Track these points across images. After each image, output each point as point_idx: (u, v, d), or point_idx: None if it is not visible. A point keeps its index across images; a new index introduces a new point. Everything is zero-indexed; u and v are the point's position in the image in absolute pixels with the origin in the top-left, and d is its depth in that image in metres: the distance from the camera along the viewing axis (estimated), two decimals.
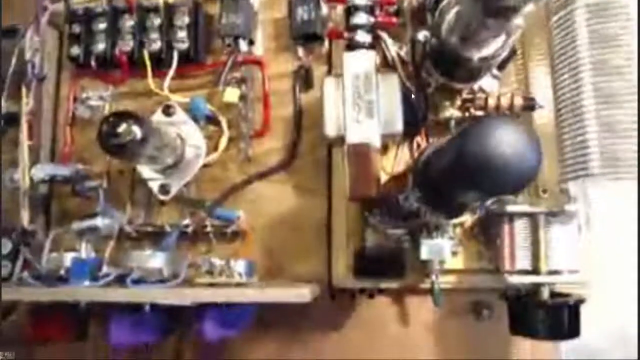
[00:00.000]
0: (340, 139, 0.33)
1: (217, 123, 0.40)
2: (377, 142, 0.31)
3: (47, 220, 0.42)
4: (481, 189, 0.23)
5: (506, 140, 0.22)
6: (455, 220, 0.36)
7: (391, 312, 0.40)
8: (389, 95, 0.34)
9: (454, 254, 0.36)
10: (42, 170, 0.34)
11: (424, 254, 0.35)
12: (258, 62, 0.41)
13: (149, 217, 0.40)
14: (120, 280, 0.31)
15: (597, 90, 0.29)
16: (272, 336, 0.40)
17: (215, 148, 0.40)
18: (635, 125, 0.28)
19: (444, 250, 0.35)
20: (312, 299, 0.29)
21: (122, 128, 0.30)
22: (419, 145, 0.37)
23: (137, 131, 0.31)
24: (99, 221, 0.34)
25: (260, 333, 0.40)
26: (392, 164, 0.38)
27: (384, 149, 0.38)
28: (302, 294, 0.28)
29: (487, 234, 0.36)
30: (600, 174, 0.28)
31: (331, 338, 0.40)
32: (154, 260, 0.32)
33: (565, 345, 0.40)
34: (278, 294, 0.29)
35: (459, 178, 0.24)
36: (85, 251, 0.34)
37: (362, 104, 0.33)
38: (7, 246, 0.39)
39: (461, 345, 0.39)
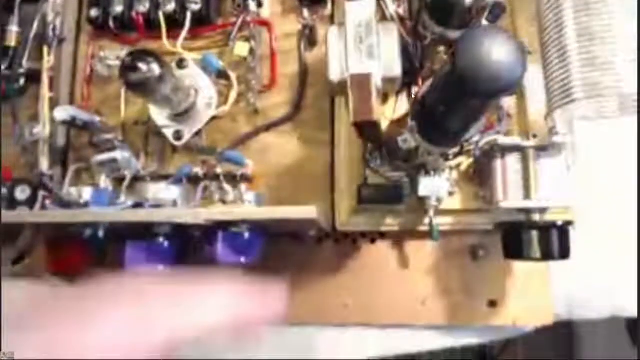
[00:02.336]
0: (344, 84, 0.36)
1: (227, 78, 0.43)
2: (377, 78, 0.34)
3: (64, 173, 0.44)
4: (476, 93, 0.25)
5: (495, 44, 0.24)
6: (452, 163, 0.39)
7: (392, 255, 0.42)
8: (388, 42, 0.36)
9: (451, 194, 0.39)
10: (64, 111, 0.36)
11: (422, 190, 0.37)
12: (265, 23, 0.44)
13: (162, 166, 0.42)
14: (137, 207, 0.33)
15: (579, 30, 0.32)
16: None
17: (225, 102, 0.43)
18: (613, 59, 0.31)
19: (441, 187, 0.37)
20: (319, 220, 0.31)
21: (142, 64, 0.33)
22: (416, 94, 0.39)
23: (155, 68, 0.33)
24: (117, 154, 0.37)
25: (265, 277, 0.42)
26: (392, 111, 0.40)
27: (384, 97, 0.41)
28: (309, 210, 0.31)
29: (481, 176, 0.39)
30: (584, 99, 0.31)
31: (334, 281, 0.42)
32: (169, 192, 0.34)
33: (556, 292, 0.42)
34: (286, 211, 0.31)
35: (455, 89, 0.27)
36: (104, 184, 0.36)
37: (363, 48, 0.35)
38: (26, 192, 0.41)
39: (459, 285, 0.41)
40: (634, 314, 0.43)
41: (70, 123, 0.37)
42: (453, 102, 0.28)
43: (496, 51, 0.25)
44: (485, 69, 0.25)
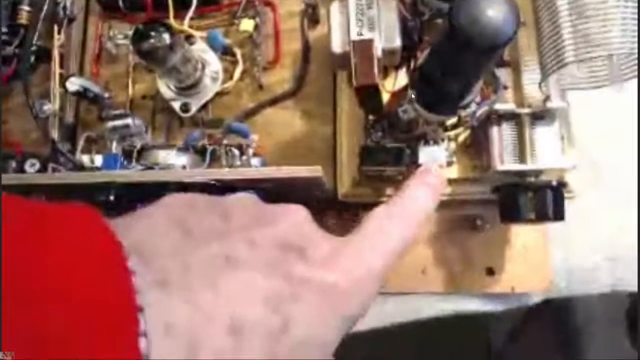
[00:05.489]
0: (346, 55, 0.37)
1: (232, 54, 0.44)
2: (378, 50, 0.35)
3: (73, 149, 0.45)
4: (473, 47, 0.27)
5: (490, 3, 0.26)
6: (450, 133, 0.40)
7: None
8: (388, 15, 0.38)
9: (449, 164, 0.40)
10: (75, 83, 0.38)
11: (422, 158, 0.38)
12: (270, 3, 0.45)
13: (170, 140, 0.43)
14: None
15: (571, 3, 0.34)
16: None
17: (230, 78, 0.44)
18: (605, 23, 0.32)
19: (440, 155, 0.38)
20: (324, 177, 0.33)
21: (153, 33, 0.34)
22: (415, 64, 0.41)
23: (166, 37, 0.35)
24: (129, 120, 0.38)
25: None
26: (392, 85, 0.42)
27: (385, 71, 0.42)
28: (315, 169, 0.32)
29: (479, 145, 0.40)
30: (575, 62, 0.32)
31: None
32: (179, 158, 0.36)
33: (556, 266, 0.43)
34: (293, 169, 0.32)
35: (452, 49, 0.28)
36: (115, 150, 0.37)
37: (364, 20, 0.37)
38: (36, 165, 0.42)
39: (458, 254, 0.42)
40: (634, 287, 0.44)
41: (81, 94, 0.38)
42: (450, 63, 0.30)
43: (491, 7, 0.26)
44: (481, 23, 0.26)
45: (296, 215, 0.21)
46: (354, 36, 0.35)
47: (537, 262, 0.41)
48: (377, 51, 0.35)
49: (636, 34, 0.31)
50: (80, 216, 0.18)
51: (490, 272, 0.42)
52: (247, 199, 0.22)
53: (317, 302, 0.19)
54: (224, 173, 0.32)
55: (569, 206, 0.36)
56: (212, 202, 0.22)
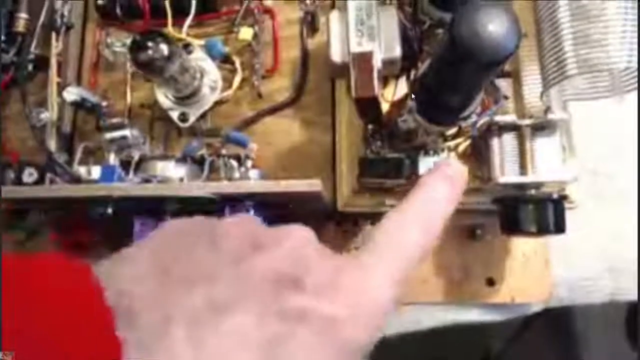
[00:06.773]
0: (345, 66, 0.37)
1: (231, 63, 0.44)
2: (378, 60, 0.35)
3: (70, 160, 0.44)
4: (474, 61, 0.26)
5: (491, 14, 0.26)
6: (450, 143, 0.40)
7: None
8: (388, 24, 0.37)
9: None
10: (73, 93, 0.37)
11: (422, 168, 0.38)
12: (269, 11, 0.45)
13: (168, 150, 0.43)
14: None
15: (571, 7, 0.33)
16: None
17: (229, 87, 0.44)
18: (606, 36, 0.32)
19: None
20: (323, 191, 0.32)
21: (151, 43, 0.34)
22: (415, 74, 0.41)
23: (164, 48, 0.34)
24: (127, 132, 0.38)
25: None
26: (392, 95, 0.41)
27: (385, 81, 0.42)
28: (314, 183, 0.32)
29: (479, 156, 0.40)
30: (576, 74, 0.32)
31: None
32: (177, 170, 0.35)
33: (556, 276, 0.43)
34: (292, 184, 0.32)
35: (452, 60, 0.28)
36: (113, 162, 0.37)
37: (364, 30, 0.37)
38: (33, 175, 0.42)
39: (458, 264, 0.42)
40: (634, 297, 0.44)
41: (79, 104, 0.38)
42: (451, 75, 0.30)
43: (492, 21, 0.26)
44: (482, 37, 0.26)
45: (295, 239, 0.19)
46: (353, 47, 0.34)
47: (537, 272, 0.41)
48: (377, 62, 0.35)
49: (636, 46, 0.30)
50: (71, 277, 0.17)
51: (491, 282, 0.42)
52: (246, 222, 0.21)
53: (316, 337, 0.17)
54: (222, 187, 0.32)
55: (569, 216, 0.36)
56: (204, 227, 0.20)
